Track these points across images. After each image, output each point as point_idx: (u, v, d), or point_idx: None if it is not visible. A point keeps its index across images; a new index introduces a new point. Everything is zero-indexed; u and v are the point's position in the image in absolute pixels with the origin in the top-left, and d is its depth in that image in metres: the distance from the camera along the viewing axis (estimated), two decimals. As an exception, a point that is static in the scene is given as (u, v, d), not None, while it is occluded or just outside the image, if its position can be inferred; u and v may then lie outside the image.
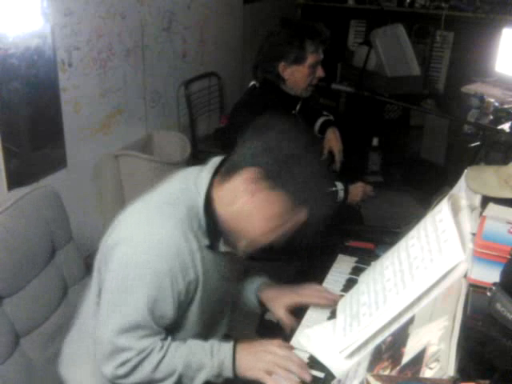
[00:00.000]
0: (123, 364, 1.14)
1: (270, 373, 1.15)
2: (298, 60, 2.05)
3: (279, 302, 1.38)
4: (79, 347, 1.31)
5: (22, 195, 1.34)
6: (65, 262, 1.44)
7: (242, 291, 1.46)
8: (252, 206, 1.14)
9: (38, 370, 1.33)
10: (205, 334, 1.29)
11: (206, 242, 1.18)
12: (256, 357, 1.18)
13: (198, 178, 1.20)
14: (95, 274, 1.24)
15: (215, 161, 1.23)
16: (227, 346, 1.19)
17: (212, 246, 1.20)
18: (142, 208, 1.19)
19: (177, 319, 1.20)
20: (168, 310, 1.15)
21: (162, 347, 1.16)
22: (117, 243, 1.15)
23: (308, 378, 1.13)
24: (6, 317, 1.25)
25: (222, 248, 1.22)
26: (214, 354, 1.18)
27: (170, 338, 1.19)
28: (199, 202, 1.17)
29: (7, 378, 1.23)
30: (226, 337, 1.41)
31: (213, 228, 1.18)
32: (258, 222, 1.15)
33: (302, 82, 2.11)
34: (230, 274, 1.30)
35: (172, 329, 1.21)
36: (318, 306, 1.37)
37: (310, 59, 2.06)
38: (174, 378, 1.16)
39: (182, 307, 1.20)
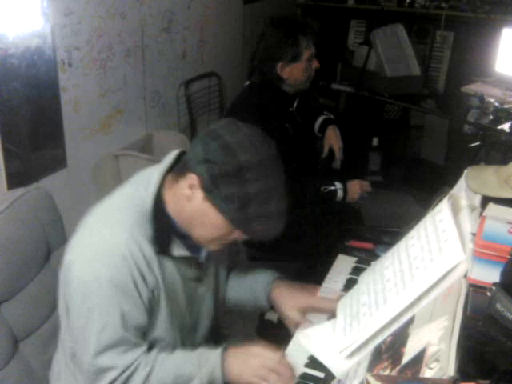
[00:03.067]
0: (118, 377, 1.11)
1: (263, 378, 1.13)
2: (295, 58, 2.07)
3: (292, 302, 1.34)
4: (61, 360, 1.28)
5: (15, 197, 1.31)
6: (61, 263, 1.43)
7: (249, 286, 1.41)
8: (191, 213, 1.11)
9: (38, 374, 1.32)
10: (184, 339, 1.25)
11: (155, 247, 1.13)
12: (244, 363, 1.15)
13: (149, 179, 1.16)
14: (60, 291, 1.19)
15: (168, 158, 1.19)
16: (214, 355, 1.16)
17: (163, 251, 1.14)
18: (94, 218, 1.16)
19: (149, 329, 1.17)
20: (139, 319, 1.12)
21: (147, 362, 1.13)
22: (72, 261, 1.12)
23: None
24: (4, 321, 1.24)
25: (176, 252, 1.16)
26: (201, 364, 1.15)
27: (155, 352, 1.16)
28: (147, 205, 1.13)
29: (8, 382, 1.22)
30: (218, 336, 1.40)
31: (163, 231, 1.14)
32: (199, 229, 1.13)
33: (301, 77, 2.13)
34: (198, 277, 1.26)
35: (148, 339, 1.17)
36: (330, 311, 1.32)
37: (306, 54, 2.08)
38: None
39: (152, 315, 1.16)
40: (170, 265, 1.17)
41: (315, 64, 2.14)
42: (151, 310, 1.16)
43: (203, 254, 1.24)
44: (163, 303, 1.17)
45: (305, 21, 2.12)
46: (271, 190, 1.07)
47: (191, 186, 1.08)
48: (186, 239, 1.17)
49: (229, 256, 1.40)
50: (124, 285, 1.09)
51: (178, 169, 1.15)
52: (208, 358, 1.16)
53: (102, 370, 1.11)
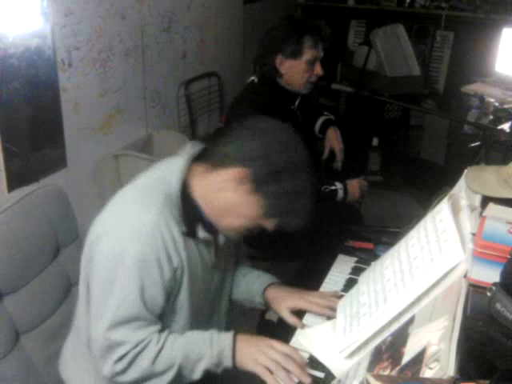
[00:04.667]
0: (120, 359, 1.13)
1: (270, 370, 1.15)
2: (295, 54, 2.05)
3: (283, 303, 1.37)
4: (77, 348, 1.30)
5: (25, 194, 1.34)
6: (69, 260, 1.44)
7: (245, 287, 1.45)
8: (230, 202, 1.15)
9: (38, 369, 1.32)
10: (198, 326, 1.27)
11: (183, 228, 1.17)
12: (257, 349, 1.17)
13: (172, 166, 1.21)
14: (82, 272, 1.23)
15: (191, 147, 1.23)
16: (227, 336, 1.19)
17: (190, 233, 1.18)
18: (122, 200, 1.19)
19: (166, 310, 1.19)
20: (158, 297, 1.15)
21: (158, 340, 1.15)
22: (99, 236, 1.15)
23: (307, 381, 1.12)
24: (6, 313, 1.25)
25: (201, 235, 1.21)
26: (213, 342, 1.17)
27: (167, 331, 1.18)
28: (174, 189, 1.17)
29: (6, 374, 1.23)
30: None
31: (190, 214, 1.18)
32: (230, 217, 1.17)
33: (298, 78, 2.10)
34: (215, 264, 1.30)
35: (163, 320, 1.20)
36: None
37: (308, 54, 2.05)
38: (173, 371, 1.15)
39: (171, 295, 1.19)
40: (193, 247, 1.20)
41: (318, 70, 2.11)
42: (172, 290, 1.18)
43: (222, 241, 1.28)
44: (185, 284, 1.20)
45: (316, 23, 2.11)
46: (308, 185, 1.15)
47: (237, 180, 1.12)
48: (207, 224, 1.21)
49: (235, 251, 1.43)
50: (148, 262, 1.11)
51: (212, 159, 1.18)
52: (219, 338, 1.19)
53: (115, 345, 1.13)
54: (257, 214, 1.15)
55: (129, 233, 1.12)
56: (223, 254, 1.33)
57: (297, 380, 1.13)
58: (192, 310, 1.24)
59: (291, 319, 1.34)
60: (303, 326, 1.32)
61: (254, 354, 1.17)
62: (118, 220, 1.15)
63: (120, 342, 1.13)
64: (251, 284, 1.44)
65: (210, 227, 1.22)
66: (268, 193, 1.12)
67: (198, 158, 1.21)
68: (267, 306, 1.43)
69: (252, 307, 1.48)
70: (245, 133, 1.16)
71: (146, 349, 1.14)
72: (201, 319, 1.30)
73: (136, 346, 1.13)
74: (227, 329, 1.44)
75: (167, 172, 1.20)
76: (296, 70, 2.08)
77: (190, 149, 1.23)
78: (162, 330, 1.18)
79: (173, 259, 1.15)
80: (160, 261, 1.13)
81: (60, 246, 1.41)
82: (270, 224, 1.17)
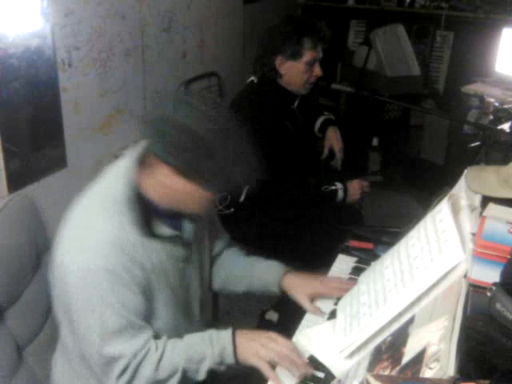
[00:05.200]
0: (122, 373, 1.13)
1: (272, 364, 1.15)
2: (295, 55, 2.05)
3: (302, 290, 1.38)
4: (65, 364, 1.29)
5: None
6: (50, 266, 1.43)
7: (258, 278, 1.45)
8: (177, 194, 1.15)
9: (42, 381, 1.32)
10: (178, 321, 1.28)
11: (138, 230, 1.16)
12: (258, 342, 1.18)
13: (118, 168, 1.21)
14: (54, 292, 1.21)
15: (135, 146, 1.22)
16: (226, 334, 1.19)
17: (147, 233, 1.17)
18: (76, 217, 1.18)
19: (150, 314, 1.19)
20: (136, 301, 1.14)
21: (157, 347, 1.15)
22: (62, 259, 1.14)
23: (309, 372, 1.14)
24: (8, 331, 1.24)
25: (159, 231, 1.19)
26: (213, 341, 1.18)
27: (164, 338, 1.18)
28: (122, 194, 1.16)
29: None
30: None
31: (144, 215, 1.17)
32: (188, 204, 1.17)
33: (298, 79, 2.10)
34: (186, 258, 1.29)
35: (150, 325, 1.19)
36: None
37: (307, 56, 2.06)
38: (178, 375, 1.15)
39: (150, 299, 1.19)
40: (158, 247, 1.20)
41: (317, 71, 2.11)
42: (149, 293, 1.18)
43: (189, 234, 1.28)
44: (157, 286, 1.20)
45: (316, 24, 2.11)
46: (239, 146, 1.12)
47: (169, 175, 1.12)
48: (167, 219, 1.21)
49: (210, 236, 1.43)
50: (116, 271, 1.11)
51: (147, 159, 1.16)
52: (219, 336, 1.19)
53: (113, 359, 1.12)
54: (204, 195, 1.15)
55: (89, 248, 1.12)
56: (196, 248, 1.33)
57: (299, 372, 1.14)
58: (170, 306, 1.24)
59: (311, 307, 1.36)
60: (323, 315, 1.34)
61: (255, 347, 1.17)
62: (74, 239, 1.15)
63: (117, 356, 1.12)
64: (264, 274, 1.45)
65: (173, 222, 1.22)
66: (201, 177, 1.11)
67: (142, 158, 1.19)
68: (283, 294, 1.44)
69: (262, 295, 1.50)
70: (161, 127, 1.12)
71: (146, 358, 1.14)
72: (183, 314, 1.30)
73: (135, 356, 1.13)
74: (208, 322, 1.44)
75: (113, 177, 1.20)
76: (295, 71, 2.08)
77: (134, 149, 1.21)
78: (157, 337, 1.18)
79: (138, 263, 1.14)
80: (127, 267, 1.12)
81: (40, 253, 1.39)
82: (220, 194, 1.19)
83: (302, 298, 1.38)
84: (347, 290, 1.34)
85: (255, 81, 2.15)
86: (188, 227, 1.28)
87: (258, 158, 1.15)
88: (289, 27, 2.06)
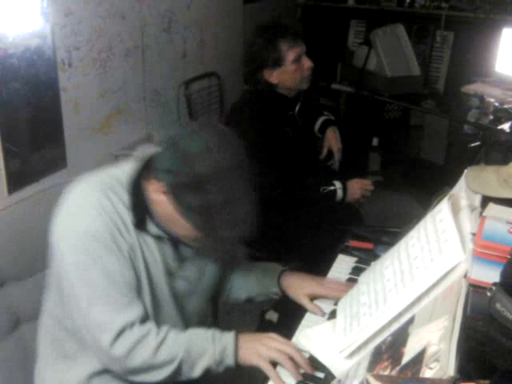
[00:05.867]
0: (115, 340, 1.11)
1: (272, 364, 1.15)
2: (278, 62, 2.05)
3: (301, 290, 1.38)
4: (52, 355, 1.28)
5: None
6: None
7: (256, 282, 1.45)
8: (163, 213, 1.15)
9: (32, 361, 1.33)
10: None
11: (132, 218, 1.16)
12: (259, 342, 1.18)
13: (123, 165, 1.23)
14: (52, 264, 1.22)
15: (142, 151, 1.23)
16: (229, 334, 1.20)
17: (138, 224, 1.16)
18: (75, 188, 1.20)
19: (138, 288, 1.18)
20: (125, 273, 1.14)
21: (158, 332, 1.15)
22: (53, 227, 1.15)
23: (310, 370, 1.14)
24: (7, 298, 1.29)
25: (153, 231, 1.18)
26: (215, 340, 1.17)
27: (167, 326, 1.18)
28: (125, 175, 1.18)
29: (1, 357, 1.25)
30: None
31: (139, 207, 1.16)
32: (174, 226, 1.16)
33: (292, 80, 2.10)
34: (177, 270, 1.26)
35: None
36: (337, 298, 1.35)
37: (290, 56, 2.05)
38: (174, 364, 1.14)
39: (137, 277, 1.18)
40: (153, 245, 1.20)
41: (307, 63, 2.09)
42: (131, 270, 1.16)
43: (186, 250, 1.26)
44: (143, 275, 1.18)
45: (284, 23, 2.10)
46: (234, 198, 1.06)
47: (158, 192, 1.11)
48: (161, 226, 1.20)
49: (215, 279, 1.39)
50: (101, 236, 1.12)
51: (149, 169, 1.17)
52: (222, 336, 1.19)
53: (101, 327, 1.12)
54: (187, 226, 1.11)
55: (76, 213, 1.14)
56: (192, 266, 1.29)
57: (302, 370, 1.14)
58: (154, 307, 1.21)
59: (311, 307, 1.36)
60: (324, 314, 1.34)
61: (256, 347, 1.17)
62: (64, 209, 1.17)
63: (106, 322, 1.11)
64: (262, 277, 1.45)
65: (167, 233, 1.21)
66: (189, 206, 1.07)
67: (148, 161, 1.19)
68: (283, 295, 1.43)
69: (264, 300, 1.49)
70: (165, 143, 1.13)
71: (145, 339, 1.13)
72: (164, 320, 1.25)
73: (130, 327, 1.12)
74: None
75: (117, 169, 1.22)
76: (287, 75, 2.08)
77: (141, 153, 1.22)
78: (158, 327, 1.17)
79: (124, 236, 1.14)
80: (113, 235, 1.13)
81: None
82: (203, 239, 1.11)
83: (301, 298, 1.38)
84: (345, 292, 1.34)
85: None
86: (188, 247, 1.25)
87: (257, 216, 1.08)
88: (260, 39, 2.06)
